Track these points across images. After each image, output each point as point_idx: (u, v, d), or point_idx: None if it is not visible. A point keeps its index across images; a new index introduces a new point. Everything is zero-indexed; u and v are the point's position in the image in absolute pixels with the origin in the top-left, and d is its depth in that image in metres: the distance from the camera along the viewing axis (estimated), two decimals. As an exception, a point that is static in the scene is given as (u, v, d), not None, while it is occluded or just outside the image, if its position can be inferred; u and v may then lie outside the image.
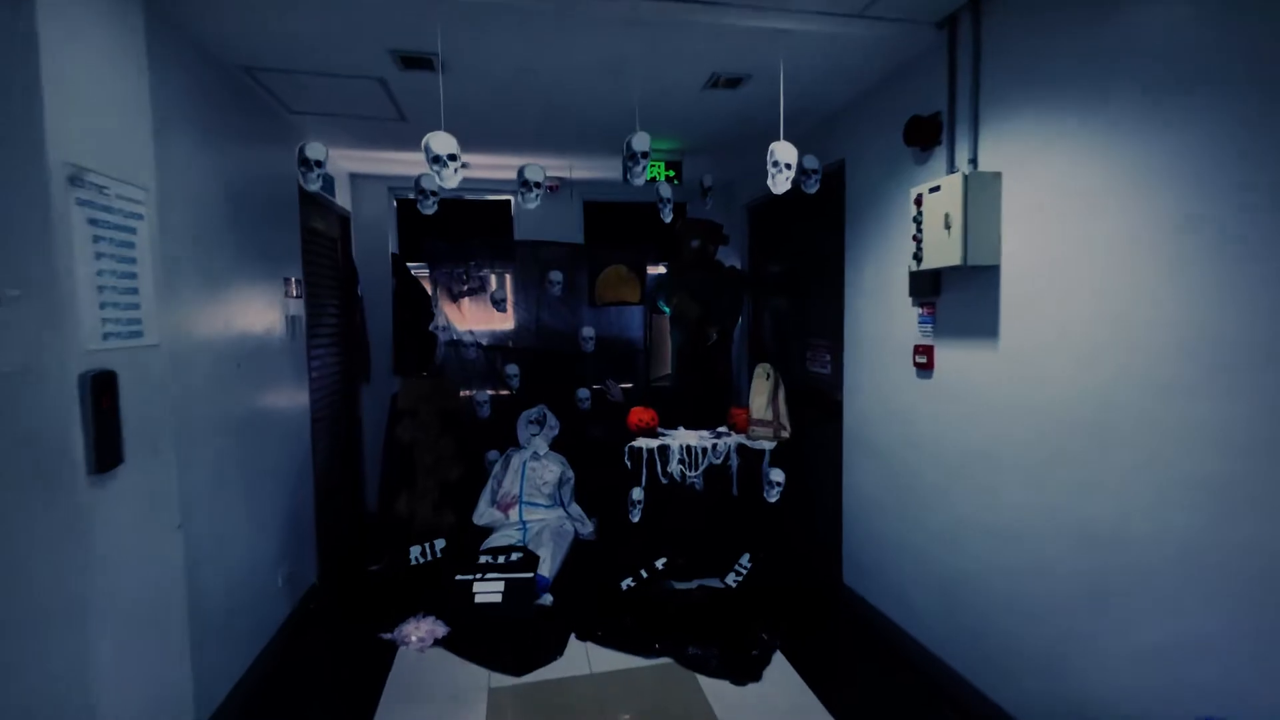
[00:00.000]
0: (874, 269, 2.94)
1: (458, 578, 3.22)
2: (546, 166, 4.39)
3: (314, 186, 2.54)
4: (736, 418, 3.63)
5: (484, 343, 4.40)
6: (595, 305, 4.45)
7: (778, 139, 2.40)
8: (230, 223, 2.52)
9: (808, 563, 3.66)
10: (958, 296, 2.40)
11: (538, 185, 2.64)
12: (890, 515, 2.91)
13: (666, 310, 4.46)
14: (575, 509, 4.08)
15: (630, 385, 4.65)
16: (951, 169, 2.39)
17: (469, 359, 4.33)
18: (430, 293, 4.31)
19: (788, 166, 2.37)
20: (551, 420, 4.19)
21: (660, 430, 3.68)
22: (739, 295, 4.37)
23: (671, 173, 3.87)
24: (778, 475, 3.43)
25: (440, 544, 3.69)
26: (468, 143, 3.48)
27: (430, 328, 4.26)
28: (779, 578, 3.46)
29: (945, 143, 2.41)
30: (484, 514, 3.93)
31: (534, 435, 4.13)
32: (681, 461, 3.45)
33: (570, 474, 4.11)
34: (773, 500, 3.45)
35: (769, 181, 2.40)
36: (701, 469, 3.47)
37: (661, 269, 4.53)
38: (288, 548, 3.06)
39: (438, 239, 4.32)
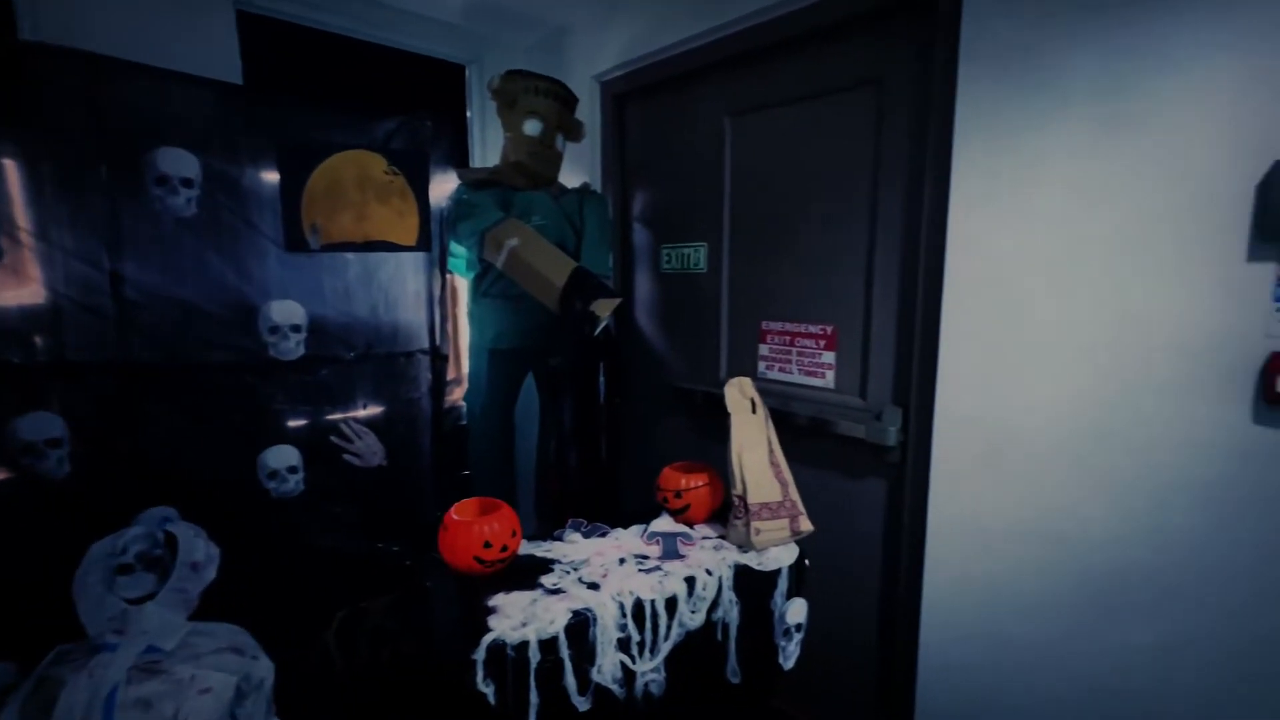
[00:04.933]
0: (1103, 165, 1.34)
1: None
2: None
3: None
4: (693, 499, 1.70)
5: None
6: (305, 249, 1.84)
7: None
8: None
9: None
10: None
11: None
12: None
13: (464, 261, 2.19)
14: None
15: (381, 408, 2.22)
16: None
17: None
18: None
19: None
20: (195, 548, 1.46)
21: (536, 554, 1.55)
22: (606, 236, 2.35)
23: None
24: (797, 613, 1.67)
25: None
26: None
27: None
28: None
29: None
30: None
31: (131, 602, 1.35)
32: (623, 642, 1.40)
33: (262, 671, 1.44)
34: (790, 665, 1.68)
35: None
36: (664, 651, 1.46)
37: (452, 180, 2.14)
38: None
39: None
